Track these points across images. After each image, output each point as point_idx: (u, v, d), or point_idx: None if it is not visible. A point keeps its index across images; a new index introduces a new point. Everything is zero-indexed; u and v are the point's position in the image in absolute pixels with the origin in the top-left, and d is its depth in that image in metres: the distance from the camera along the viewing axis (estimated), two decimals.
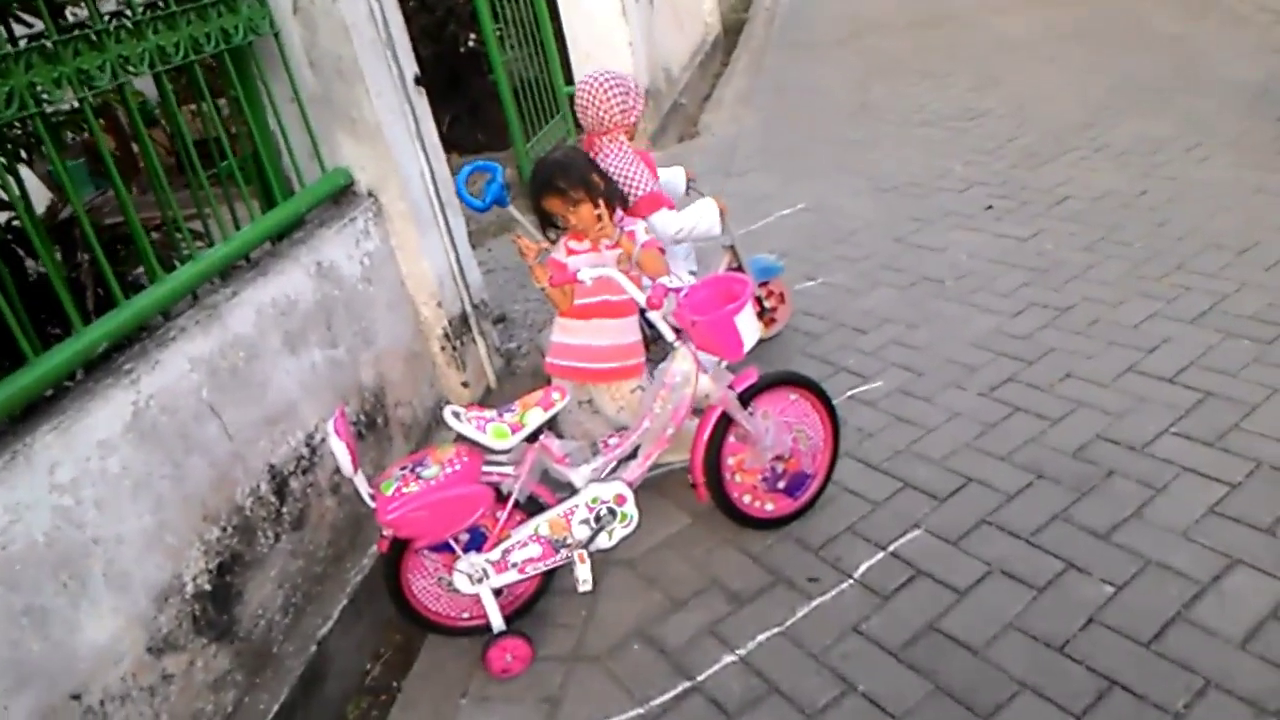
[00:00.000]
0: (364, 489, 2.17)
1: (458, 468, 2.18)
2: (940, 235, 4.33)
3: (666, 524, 2.75)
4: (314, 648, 2.44)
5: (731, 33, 10.48)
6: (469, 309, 3.46)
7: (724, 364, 2.44)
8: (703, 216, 3.06)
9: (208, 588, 2.22)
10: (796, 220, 4.84)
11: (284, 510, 2.51)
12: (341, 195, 3.10)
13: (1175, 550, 2.28)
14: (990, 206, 4.53)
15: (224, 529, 2.30)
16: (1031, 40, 7.51)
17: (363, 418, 2.91)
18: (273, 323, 2.54)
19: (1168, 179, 4.41)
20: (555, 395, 2.25)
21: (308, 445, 2.60)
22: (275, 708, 2.28)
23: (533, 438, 2.27)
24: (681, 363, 2.35)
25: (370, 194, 3.11)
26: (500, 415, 2.23)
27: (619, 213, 2.63)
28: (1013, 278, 3.79)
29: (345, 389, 2.83)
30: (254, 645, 2.36)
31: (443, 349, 3.38)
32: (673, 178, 3.41)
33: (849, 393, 3.22)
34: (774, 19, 10.94)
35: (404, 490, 2.14)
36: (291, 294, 2.63)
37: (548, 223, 2.60)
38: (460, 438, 2.22)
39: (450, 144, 7.25)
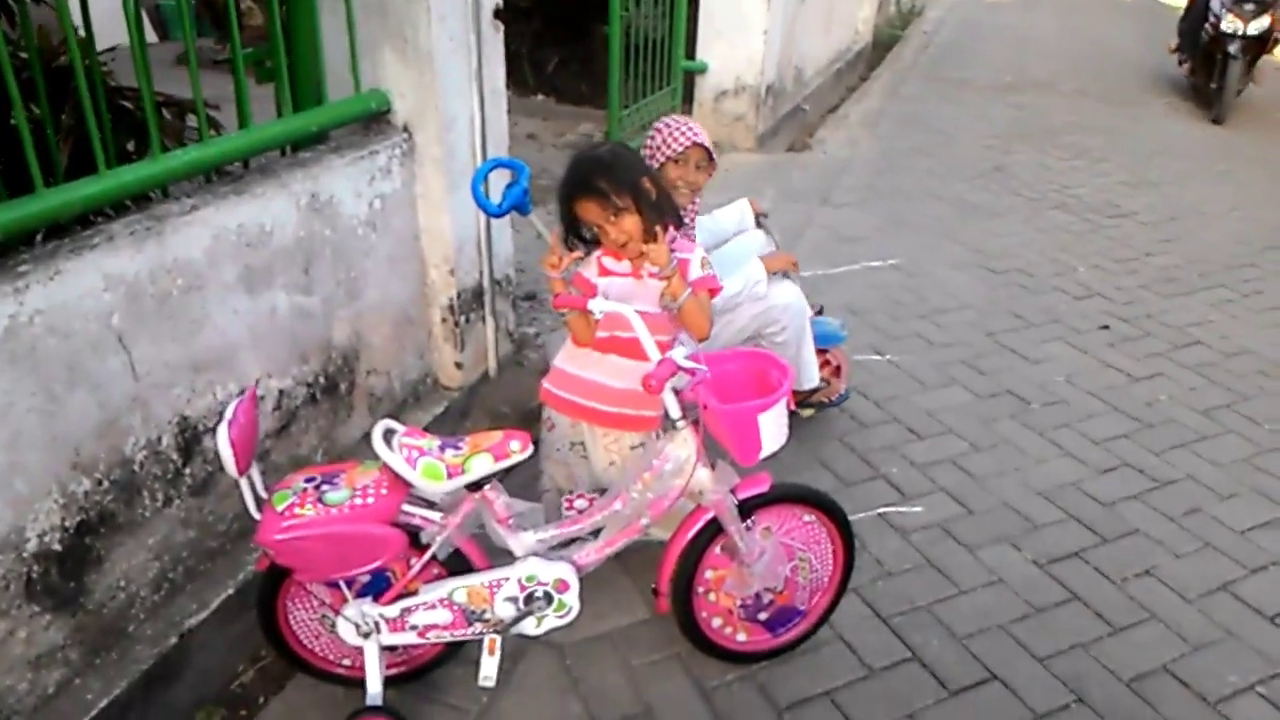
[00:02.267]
0: (250, 496, 1.74)
1: (370, 501, 1.74)
2: (1040, 345, 3.74)
3: (617, 611, 2.29)
4: (175, 638, 2.05)
5: (881, 48, 9.77)
6: (486, 283, 3.01)
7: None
8: (745, 283, 2.59)
9: (57, 548, 1.83)
10: (883, 277, 4.28)
11: (186, 471, 2.11)
12: (372, 122, 2.67)
13: None
14: (1107, 327, 3.92)
15: (99, 482, 1.90)
16: (1213, 147, 6.70)
17: (322, 380, 2.50)
18: (232, 252, 2.12)
19: None
20: (514, 445, 1.79)
21: None
22: (104, 702, 1.90)
23: (476, 486, 1.82)
24: (679, 448, 1.87)
25: (405, 129, 2.67)
26: (441, 450, 1.78)
27: (671, 233, 2.13)
28: (1110, 423, 3.21)
29: (307, 344, 2.42)
30: (103, 621, 1.97)
31: (444, 321, 2.95)
32: (736, 215, 2.92)
33: (881, 509, 2.71)
34: (929, 45, 10.17)
35: (297, 511, 1.71)
36: (267, 224, 2.21)
37: (574, 233, 2.11)
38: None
39: (551, 88, 6.81)
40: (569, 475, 2.32)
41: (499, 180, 2.61)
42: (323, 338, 2.47)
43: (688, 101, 6.20)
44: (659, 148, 2.51)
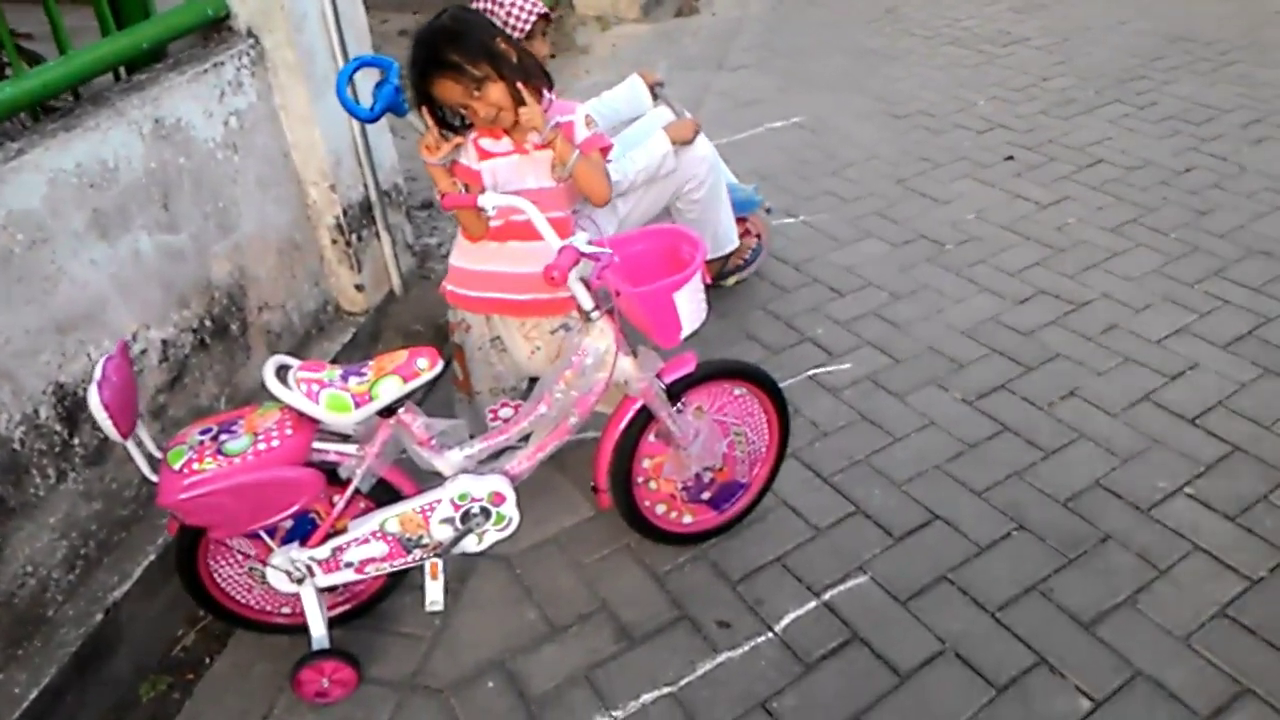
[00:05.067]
0: (141, 458, 1.60)
1: (275, 444, 1.62)
2: (949, 184, 3.71)
3: (560, 513, 2.25)
4: (100, 614, 1.94)
5: None
6: (374, 195, 2.82)
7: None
8: (651, 157, 2.43)
9: None
10: (788, 137, 4.17)
11: (75, 441, 1.95)
12: (212, 31, 2.41)
13: (1170, 664, 1.83)
14: (1011, 157, 3.90)
15: None
16: None
17: (208, 324, 2.32)
18: (75, 197, 1.90)
19: (1217, 158, 3.80)
20: (421, 363, 1.68)
21: None
22: (35, 692, 1.79)
23: (389, 411, 1.72)
24: (597, 340, 1.78)
25: (250, 34, 2.41)
26: (344, 379, 1.66)
27: (548, 96, 1.98)
28: (1023, 253, 3.23)
29: (184, 287, 2.23)
30: (17, 611, 1.84)
31: (334, 242, 2.76)
32: (628, 93, 2.74)
33: (811, 371, 2.69)
34: None
35: (195, 467, 1.59)
36: (110, 159, 1.98)
37: (441, 121, 1.94)
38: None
39: None
40: (494, 375, 2.24)
41: (367, 82, 2.39)
42: (200, 278, 2.28)
43: None
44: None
